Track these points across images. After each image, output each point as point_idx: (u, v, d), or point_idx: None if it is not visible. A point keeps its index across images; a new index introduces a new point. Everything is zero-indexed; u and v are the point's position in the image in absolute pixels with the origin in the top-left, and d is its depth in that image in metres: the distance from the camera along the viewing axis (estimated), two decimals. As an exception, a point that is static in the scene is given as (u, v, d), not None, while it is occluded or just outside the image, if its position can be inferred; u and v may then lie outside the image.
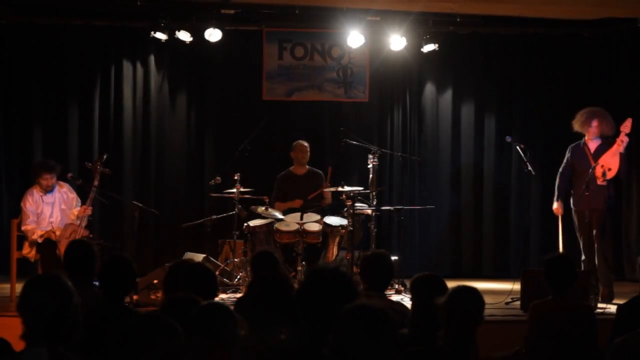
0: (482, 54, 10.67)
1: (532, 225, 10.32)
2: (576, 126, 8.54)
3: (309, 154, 9.38)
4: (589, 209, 8.14)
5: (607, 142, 8.30)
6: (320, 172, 9.39)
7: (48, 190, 8.45)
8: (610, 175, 8.16)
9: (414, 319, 4.30)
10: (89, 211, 8.42)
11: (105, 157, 8.68)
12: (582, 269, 8.20)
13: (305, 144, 9.41)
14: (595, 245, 8.21)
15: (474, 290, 3.78)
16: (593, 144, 8.36)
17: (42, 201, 8.45)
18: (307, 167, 9.39)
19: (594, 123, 8.34)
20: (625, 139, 8.14)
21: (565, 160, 8.53)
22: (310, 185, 9.19)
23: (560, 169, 8.55)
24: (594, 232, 8.21)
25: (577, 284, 5.35)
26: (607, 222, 8.38)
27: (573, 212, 8.40)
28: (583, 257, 8.30)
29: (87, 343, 3.46)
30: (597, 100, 9.91)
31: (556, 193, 8.51)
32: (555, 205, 8.49)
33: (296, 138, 9.54)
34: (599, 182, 8.15)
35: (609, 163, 8.17)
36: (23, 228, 8.35)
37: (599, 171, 8.15)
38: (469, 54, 10.65)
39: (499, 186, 10.64)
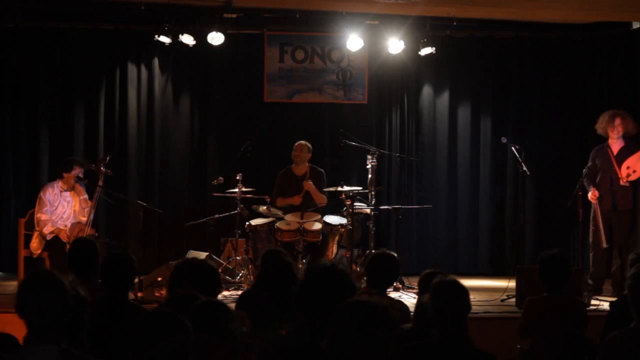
0: (478, 57, 10.67)
1: (527, 224, 10.32)
2: (600, 129, 8.53)
3: (306, 153, 9.22)
4: (615, 210, 8.20)
5: (630, 145, 8.35)
6: (321, 170, 9.33)
7: (71, 186, 8.48)
8: (633, 177, 8.25)
9: (417, 313, 4.30)
10: (86, 205, 8.50)
11: (108, 158, 8.71)
12: (591, 263, 8.31)
13: (303, 143, 9.26)
14: (624, 247, 8.26)
15: (454, 283, 3.75)
16: (616, 146, 8.39)
17: (61, 197, 8.47)
18: (308, 165, 9.33)
19: (617, 121, 8.37)
20: None
21: (589, 162, 8.53)
22: (317, 183, 9.13)
23: (585, 170, 8.49)
24: (624, 232, 8.26)
25: (570, 282, 5.36)
26: (636, 222, 8.47)
27: (596, 209, 8.38)
28: (592, 253, 8.39)
29: (93, 339, 3.47)
30: (590, 102, 9.93)
31: (587, 184, 8.39)
32: (590, 193, 8.34)
33: (296, 139, 9.52)
34: (622, 182, 8.23)
35: (635, 165, 8.23)
36: (38, 215, 8.34)
37: (624, 172, 8.22)
38: (466, 57, 10.65)
39: (494, 186, 10.64)
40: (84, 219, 8.42)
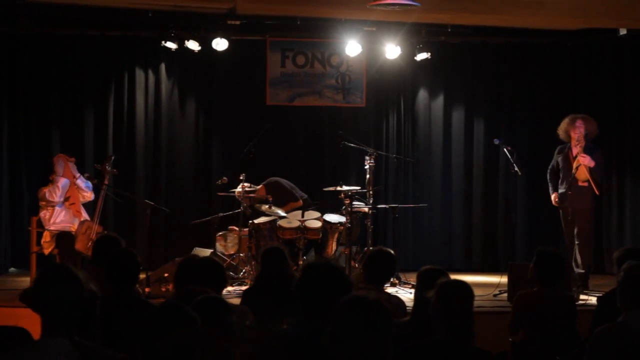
0: (471, 62, 10.68)
1: (519, 222, 10.33)
2: (562, 132, 8.57)
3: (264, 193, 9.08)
4: (572, 208, 8.20)
5: (588, 148, 8.34)
6: (274, 181, 9.21)
7: (58, 175, 8.55)
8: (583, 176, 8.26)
9: (415, 308, 4.30)
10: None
11: (112, 158, 8.77)
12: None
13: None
14: (576, 242, 8.28)
15: (461, 283, 3.70)
16: (576, 148, 8.40)
17: (55, 196, 8.52)
18: (262, 186, 9.14)
19: (578, 123, 8.40)
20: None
21: (553, 159, 8.58)
22: (275, 196, 9.08)
23: (550, 167, 8.65)
24: (576, 230, 8.27)
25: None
26: (591, 221, 8.47)
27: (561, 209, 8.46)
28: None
29: (103, 332, 3.47)
30: (579, 105, 9.94)
31: (551, 187, 8.61)
32: (552, 197, 8.59)
33: (297, 141, 9.51)
34: (580, 183, 8.22)
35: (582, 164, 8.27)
36: (44, 196, 8.48)
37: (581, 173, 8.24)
38: (460, 62, 10.66)
39: (487, 186, 10.65)
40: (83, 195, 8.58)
